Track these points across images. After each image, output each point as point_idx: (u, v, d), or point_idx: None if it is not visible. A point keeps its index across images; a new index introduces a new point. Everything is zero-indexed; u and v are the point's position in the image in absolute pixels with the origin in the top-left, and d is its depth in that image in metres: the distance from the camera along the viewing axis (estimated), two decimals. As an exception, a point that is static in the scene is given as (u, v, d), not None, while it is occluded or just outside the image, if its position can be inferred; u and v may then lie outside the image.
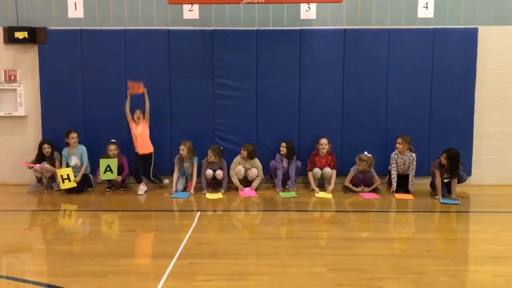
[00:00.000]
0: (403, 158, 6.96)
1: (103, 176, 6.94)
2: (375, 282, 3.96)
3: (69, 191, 6.94)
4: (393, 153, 7.03)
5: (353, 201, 6.67)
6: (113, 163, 6.92)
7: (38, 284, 3.96)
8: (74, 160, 7.12)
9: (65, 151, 7.19)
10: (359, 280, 4.00)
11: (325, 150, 7.11)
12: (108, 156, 7.02)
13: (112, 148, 7.03)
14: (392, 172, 7.01)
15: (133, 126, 7.05)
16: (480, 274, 4.18)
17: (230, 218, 6.07)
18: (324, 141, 7.09)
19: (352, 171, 7.12)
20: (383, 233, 5.33)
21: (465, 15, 7.35)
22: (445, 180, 6.81)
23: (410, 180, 6.94)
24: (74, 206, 6.50)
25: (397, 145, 6.95)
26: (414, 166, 6.94)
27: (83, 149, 7.21)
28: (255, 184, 7.07)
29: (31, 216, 6.17)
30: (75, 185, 6.91)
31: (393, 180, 6.98)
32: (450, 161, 6.60)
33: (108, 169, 6.90)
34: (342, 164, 7.33)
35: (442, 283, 3.97)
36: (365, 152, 7.04)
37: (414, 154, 6.96)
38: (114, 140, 7.11)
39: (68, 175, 6.88)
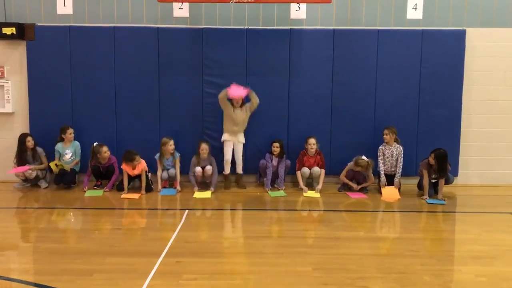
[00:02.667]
0: (390, 149, 7.05)
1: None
2: (360, 282, 3.99)
3: (59, 182, 7.08)
4: (381, 146, 7.11)
5: (341, 201, 6.70)
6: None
7: (23, 282, 3.94)
8: (68, 154, 7.17)
9: (59, 146, 7.20)
10: (344, 279, 4.03)
11: (313, 150, 7.14)
12: (97, 160, 6.99)
13: (105, 150, 6.96)
14: (379, 165, 7.07)
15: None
16: (464, 274, 4.24)
17: (217, 217, 6.07)
18: (312, 140, 7.12)
19: (348, 167, 7.13)
20: (369, 233, 5.37)
21: (453, 17, 7.41)
22: (433, 181, 6.87)
23: (397, 172, 7.02)
24: (60, 204, 6.46)
25: (384, 136, 7.06)
26: (402, 158, 7.04)
27: (77, 144, 7.28)
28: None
29: (17, 214, 6.13)
30: (68, 169, 7.09)
31: (381, 174, 7.04)
32: (438, 161, 6.66)
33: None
34: (330, 163, 7.36)
35: (425, 282, 4.01)
36: (363, 157, 7.00)
37: (401, 147, 7.07)
38: (97, 143, 7.02)
39: (62, 164, 7.10)
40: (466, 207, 6.67)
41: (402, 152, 7.07)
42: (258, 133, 7.43)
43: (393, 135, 7.05)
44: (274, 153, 7.16)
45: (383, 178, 7.03)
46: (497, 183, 7.58)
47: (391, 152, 7.07)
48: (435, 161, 6.67)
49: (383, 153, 7.10)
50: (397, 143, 7.11)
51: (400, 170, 7.05)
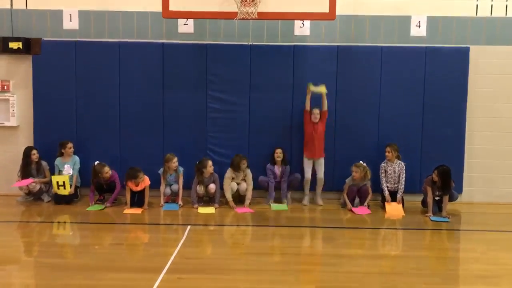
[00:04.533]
0: (392, 165, 7.05)
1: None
2: (363, 300, 3.95)
3: (59, 201, 6.94)
4: (383, 162, 7.11)
5: (344, 217, 6.66)
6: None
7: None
8: (66, 169, 7.14)
9: (58, 161, 7.20)
10: (347, 298, 3.99)
11: (316, 166, 7.13)
12: (99, 178, 6.96)
13: (106, 170, 6.91)
14: (382, 183, 7.07)
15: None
16: (468, 294, 4.19)
17: (219, 233, 6.04)
18: (315, 156, 7.11)
19: (347, 182, 7.12)
20: (373, 250, 5.33)
21: (457, 34, 7.43)
22: (437, 198, 6.83)
23: (400, 188, 7.00)
24: (63, 219, 6.45)
25: (386, 153, 7.07)
26: (404, 175, 7.03)
27: (76, 159, 7.25)
28: (247, 201, 6.97)
29: (19, 228, 6.11)
30: (68, 193, 6.95)
31: (385, 190, 7.02)
32: (441, 177, 6.63)
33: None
34: (333, 179, 7.34)
35: (430, 302, 3.97)
36: (361, 162, 7.06)
37: (402, 163, 7.06)
38: (98, 162, 6.98)
39: (64, 182, 6.93)
40: (471, 225, 6.61)
41: (404, 168, 7.05)
42: (261, 148, 7.42)
43: (395, 152, 7.05)
44: (277, 159, 7.11)
45: (387, 195, 6.99)
46: (502, 201, 7.50)
47: (393, 169, 7.06)
48: (439, 178, 6.64)
49: (385, 170, 7.10)
50: (399, 159, 7.09)
51: (403, 187, 7.02)
